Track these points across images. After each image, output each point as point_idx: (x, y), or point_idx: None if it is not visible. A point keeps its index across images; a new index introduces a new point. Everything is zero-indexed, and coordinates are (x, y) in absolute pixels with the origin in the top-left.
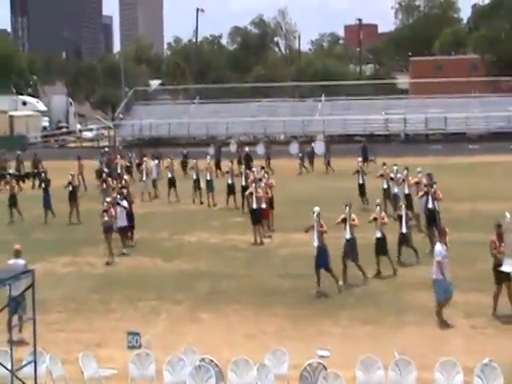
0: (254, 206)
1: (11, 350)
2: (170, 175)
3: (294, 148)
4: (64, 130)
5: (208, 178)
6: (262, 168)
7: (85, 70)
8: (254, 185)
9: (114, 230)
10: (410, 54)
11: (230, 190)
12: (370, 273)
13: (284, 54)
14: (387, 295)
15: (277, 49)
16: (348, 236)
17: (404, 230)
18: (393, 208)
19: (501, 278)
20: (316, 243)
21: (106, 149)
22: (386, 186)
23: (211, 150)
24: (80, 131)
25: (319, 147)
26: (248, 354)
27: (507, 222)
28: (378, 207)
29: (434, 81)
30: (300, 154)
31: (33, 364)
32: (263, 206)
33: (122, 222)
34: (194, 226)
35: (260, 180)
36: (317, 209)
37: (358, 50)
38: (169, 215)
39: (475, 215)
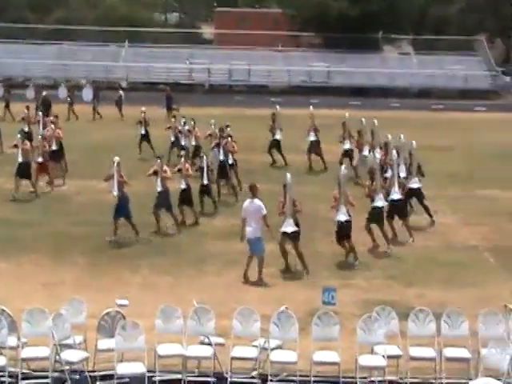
0: (20, 159)
1: None
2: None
3: (62, 92)
4: None
5: None
6: (56, 116)
7: None
8: (18, 136)
9: None
10: (214, 4)
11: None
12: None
13: None
14: (188, 245)
15: None
16: (159, 189)
17: (205, 182)
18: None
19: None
20: (115, 192)
21: None
22: (173, 139)
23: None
24: None
25: (87, 93)
26: (44, 304)
27: (289, 183)
28: (182, 158)
29: (238, 32)
30: (69, 99)
31: None
32: (39, 159)
33: None
34: None
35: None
36: (116, 158)
37: None
38: None
39: (271, 167)
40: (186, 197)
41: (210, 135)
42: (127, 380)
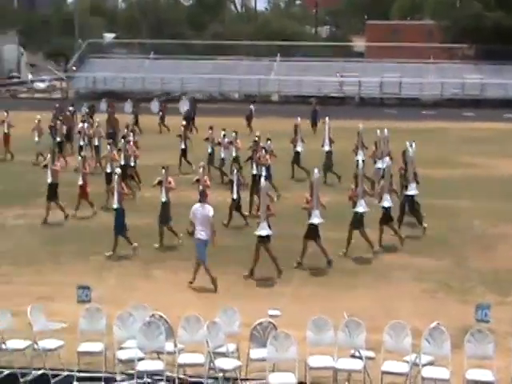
0: (49, 180)
1: None
2: (59, 139)
3: (154, 106)
4: (15, 79)
5: (96, 143)
6: (123, 137)
7: (38, 20)
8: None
9: None
10: (366, 17)
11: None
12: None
13: (240, 12)
14: (339, 257)
15: (233, 7)
16: (163, 199)
17: (235, 196)
18: (220, 172)
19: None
20: (115, 206)
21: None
22: (210, 151)
23: (128, 107)
24: (32, 82)
25: (183, 106)
26: (199, 311)
27: (264, 187)
28: (202, 169)
29: (390, 45)
30: (160, 113)
31: None
32: (79, 182)
33: None
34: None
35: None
36: (118, 170)
37: (315, 11)
38: None
39: (427, 180)
40: None
41: (251, 147)
42: None
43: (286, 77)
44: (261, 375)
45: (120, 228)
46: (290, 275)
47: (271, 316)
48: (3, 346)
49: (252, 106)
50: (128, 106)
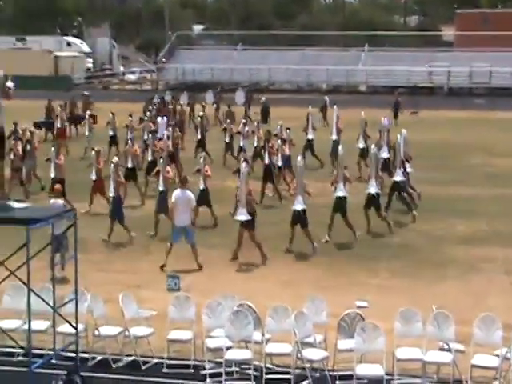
0: (53, 175)
1: (53, 287)
2: (111, 133)
3: (209, 96)
4: (107, 71)
5: (145, 137)
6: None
7: (129, 13)
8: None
9: None
10: (455, 5)
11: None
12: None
13: (328, 2)
14: (426, 248)
15: None
16: (161, 188)
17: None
18: (237, 161)
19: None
20: (111, 194)
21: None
22: (228, 140)
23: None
24: (123, 73)
25: (239, 97)
26: (285, 301)
27: (244, 173)
28: (202, 159)
29: (479, 33)
30: (215, 105)
31: (74, 302)
32: (93, 177)
33: None
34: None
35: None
36: (115, 159)
37: (403, 0)
38: None
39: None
40: (203, 198)
41: (275, 135)
42: (366, 381)
43: (374, 67)
44: (348, 366)
45: (115, 214)
46: (375, 266)
47: (359, 307)
48: (96, 333)
49: (327, 98)
50: (184, 97)
